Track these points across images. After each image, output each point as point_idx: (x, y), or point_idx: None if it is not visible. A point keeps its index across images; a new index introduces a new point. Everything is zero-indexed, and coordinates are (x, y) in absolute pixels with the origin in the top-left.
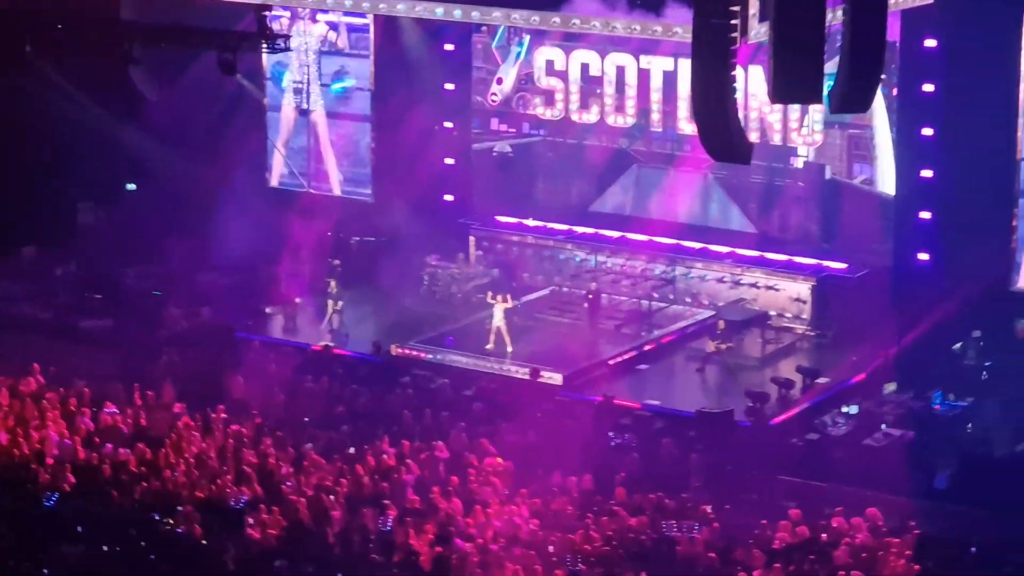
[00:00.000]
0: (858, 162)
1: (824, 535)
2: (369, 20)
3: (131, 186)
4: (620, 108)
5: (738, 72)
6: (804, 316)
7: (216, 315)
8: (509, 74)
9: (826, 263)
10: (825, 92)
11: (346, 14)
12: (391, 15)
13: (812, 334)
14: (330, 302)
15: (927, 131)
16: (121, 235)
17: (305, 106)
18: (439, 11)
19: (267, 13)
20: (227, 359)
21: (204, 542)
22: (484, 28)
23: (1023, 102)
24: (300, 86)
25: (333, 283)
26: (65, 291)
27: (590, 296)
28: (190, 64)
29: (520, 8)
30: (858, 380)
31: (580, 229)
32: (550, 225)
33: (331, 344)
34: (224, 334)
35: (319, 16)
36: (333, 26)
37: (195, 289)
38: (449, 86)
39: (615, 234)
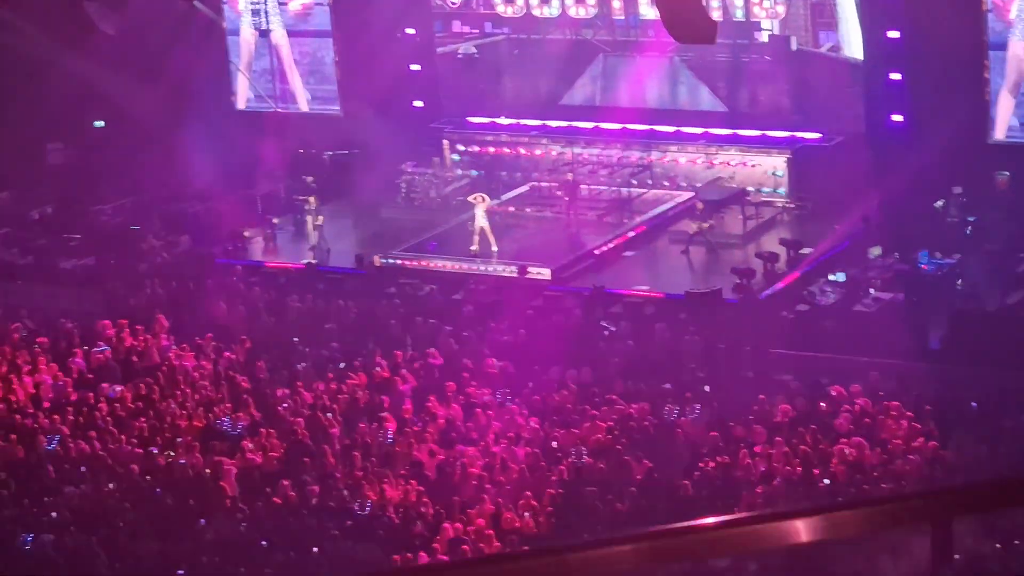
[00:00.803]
0: (823, 30)
1: (823, 404)
2: None
3: (99, 123)
4: None
5: None
6: (782, 189)
7: (195, 243)
8: None
9: (800, 134)
10: None
11: None
12: None
13: (792, 206)
14: (310, 218)
15: None
16: (93, 172)
17: (264, 27)
18: None
19: None
20: (210, 286)
21: (207, 471)
22: None
23: None
24: (257, 6)
25: (312, 199)
26: (43, 233)
27: (569, 188)
28: None
29: None
30: (843, 247)
31: (553, 123)
32: (522, 122)
33: (314, 261)
34: (204, 261)
35: None
36: None
37: (172, 219)
38: None
39: (588, 125)
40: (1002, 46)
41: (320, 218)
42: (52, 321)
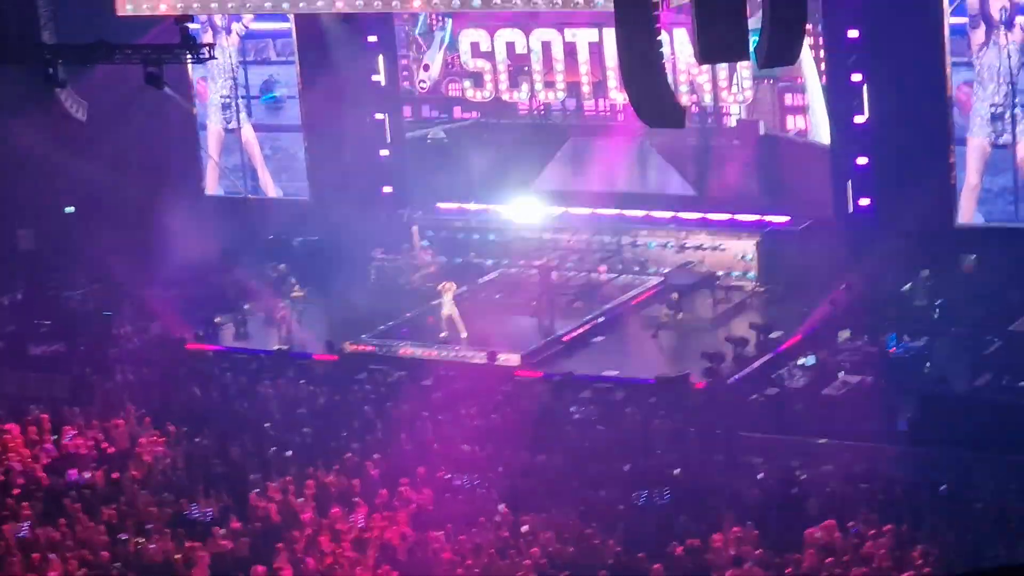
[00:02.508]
0: (791, 114)
1: (794, 488)
2: (290, 23)
3: (69, 209)
4: (550, 83)
5: (663, 36)
6: (751, 273)
7: (165, 329)
8: (435, 59)
9: (768, 218)
10: (751, 48)
11: (262, 18)
12: (312, 13)
13: (761, 290)
14: (288, 301)
15: (856, 77)
16: (63, 257)
17: (233, 125)
18: (359, 3)
19: (189, 24)
20: (181, 372)
21: (177, 556)
22: (406, 16)
23: (947, 40)
24: (227, 100)
25: (293, 280)
26: (12, 319)
27: (542, 273)
28: (117, 81)
29: None
30: (812, 331)
31: (523, 208)
32: (492, 207)
33: (285, 347)
34: (176, 347)
35: (233, 26)
36: (252, 35)
37: (143, 305)
38: (377, 77)
39: (558, 210)
40: (964, 140)
41: (301, 292)
42: (21, 407)
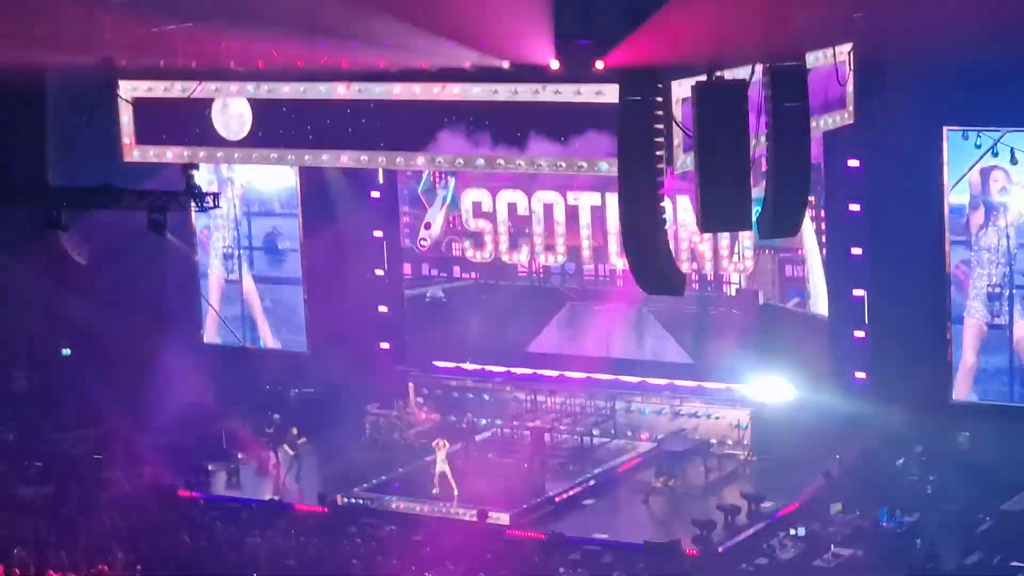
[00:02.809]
0: (791, 285)
1: None
2: (294, 177)
3: (66, 351)
4: (550, 246)
5: (666, 203)
6: (745, 442)
7: (157, 475)
8: (437, 218)
9: (764, 388)
10: (754, 218)
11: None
12: (316, 167)
13: (754, 459)
14: (286, 447)
15: (856, 250)
16: (57, 399)
17: (235, 276)
18: (363, 158)
19: (194, 172)
20: (172, 519)
21: None
22: (409, 173)
23: (948, 216)
24: (230, 250)
25: (294, 430)
26: (3, 459)
27: (535, 435)
28: (119, 224)
29: (386, 150)
30: (803, 502)
31: (518, 370)
32: (488, 367)
33: (276, 498)
34: (167, 494)
35: (238, 178)
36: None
37: (135, 450)
38: (378, 233)
39: (553, 373)
40: (961, 317)
41: (302, 440)
42: (6, 548)
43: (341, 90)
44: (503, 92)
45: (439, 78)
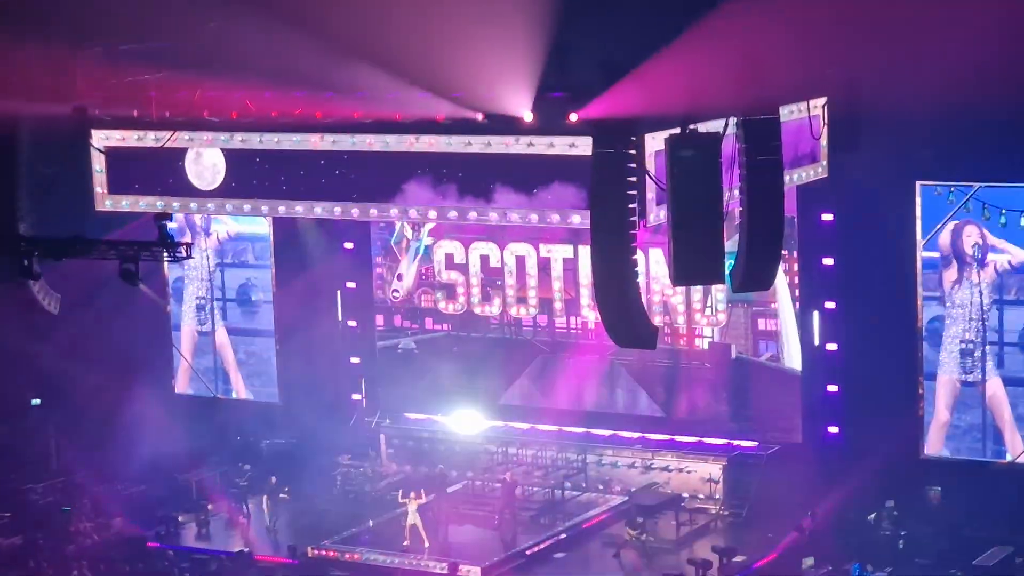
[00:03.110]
0: (764, 339)
1: None
2: (268, 228)
3: (36, 401)
4: (522, 299)
5: (638, 256)
6: (717, 496)
7: (127, 526)
8: (409, 270)
9: (736, 442)
10: (727, 271)
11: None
12: (290, 217)
13: (726, 513)
14: (265, 498)
15: (830, 304)
16: (26, 450)
17: (207, 328)
18: (337, 210)
19: (167, 222)
20: (141, 571)
21: None
22: (382, 224)
23: (920, 271)
24: (203, 302)
25: (273, 480)
26: None
27: (506, 488)
28: (90, 272)
29: (357, 201)
30: (776, 556)
31: (490, 422)
32: (459, 419)
33: (246, 549)
34: (136, 545)
35: (213, 229)
36: (231, 238)
37: (104, 501)
38: (351, 284)
39: (525, 425)
40: (934, 374)
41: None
42: None
43: (315, 141)
44: (476, 144)
45: (412, 130)
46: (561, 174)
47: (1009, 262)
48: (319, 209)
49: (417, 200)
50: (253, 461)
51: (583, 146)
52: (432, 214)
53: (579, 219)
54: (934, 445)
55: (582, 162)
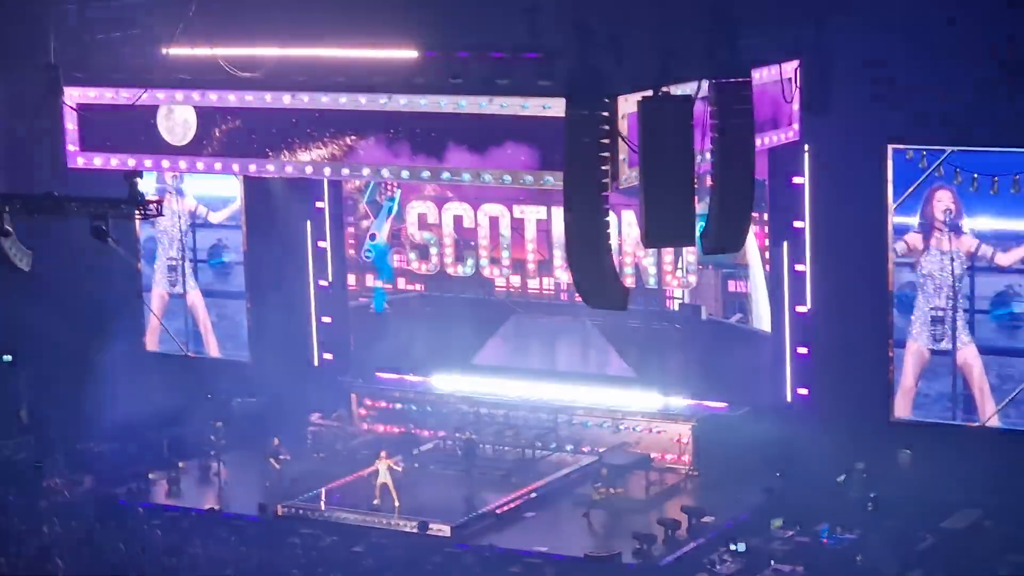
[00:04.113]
0: (734, 301)
1: None
2: (238, 187)
3: (7, 357)
4: (495, 259)
5: (611, 217)
6: (686, 456)
7: (98, 483)
8: (382, 229)
9: (706, 403)
10: (697, 233)
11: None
12: (261, 177)
13: (696, 474)
14: (272, 459)
15: (800, 267)
16: None
17: (179, 289)
18: (308, 169)
19: (138, 180)
20: (112, 528)
21: None
22: (355, 184)
23: (891, 236)
24: (174, 263)
25: (276, 440)
26: None
27: (474, 447)
28: (62, 230)
29: (272, 156)
30: (744, 517)
31: (462, 382)
32: (431, 379)
33: (216, 507)
34: (107, 502)
35: (186, 190)
36: (204, 200)
37: (75, 458)
38: (323, 244)
39: (497, 385)
40: (904, 340)
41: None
42: None
43: (287, 99)
44: (427, 103)
45: (383, 89)
46: (514, 134)
47: (979, 229)
48: (290, 168)
49: (371, 159)
50: (224, 420)
51: (556, 108)
52: (405, 174)
53: (553, 180)
54: (903, 408)
55: (535, 123)
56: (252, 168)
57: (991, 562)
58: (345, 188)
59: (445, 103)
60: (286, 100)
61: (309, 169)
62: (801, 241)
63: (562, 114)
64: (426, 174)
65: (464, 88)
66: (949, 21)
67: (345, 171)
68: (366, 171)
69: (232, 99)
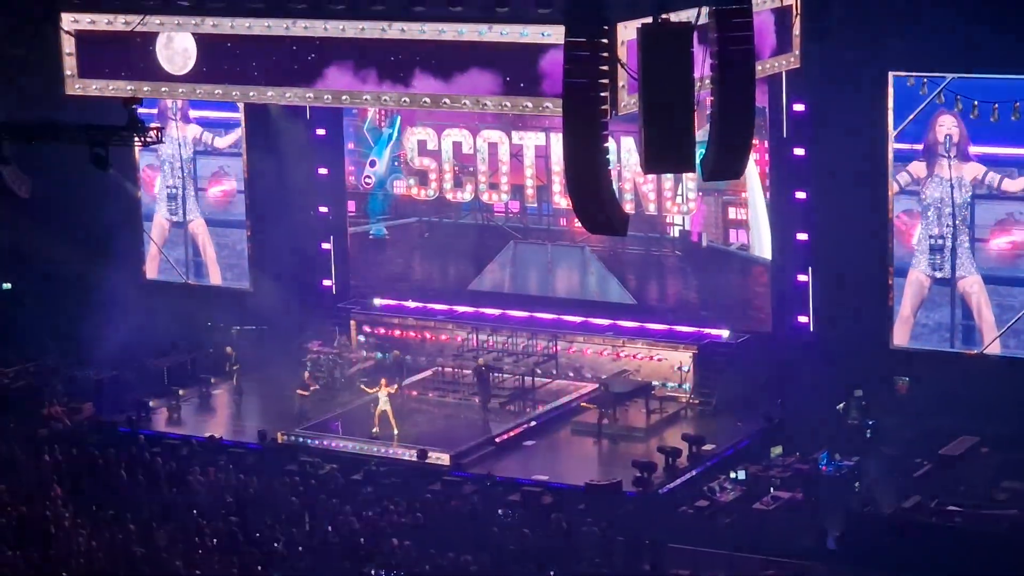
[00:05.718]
0: (734, 228)
1: None
2: (240, 113)
3: (6, 284)
4: (494, 185)
5: (610, 143)
6: (687, 384)
7: (98, 411)
8: (382, 156)
9: (707, 331)
10: (697, 160)
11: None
12: (261, 104)
13: (696, 402)
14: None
15: (800, 194)
16: None
17: (179, 218)
18: (308, 96)
19: (137, 107)
20: (111, 455)
21: None
22: (355, 111)
23: (891, 161)
24: (174, 191)
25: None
26: None
27: (479, 374)
28: (62, 158)
29: (272, 84)
30: (744, 445)
31: (460, 308)
32: (430, 306)
33: (217, 435)
34: (107, 430)
35: (191, 113)
36: (205, 123)
37: (76, 385)
38: (323, 171)
39: (496, 312)
40: (905, 269)
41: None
42: None
43: (287, 27)
44: (393, 31)
45: (378, 16)
46: (479, 61)
47: (986, 153)
48: (290, 95)
49: (337, 84)
50: (232, 345)
51: (556, 35)
52: (405, 100)
53: (552, 106)
54: (902, 336)
55: (499, 49)
56: (252, 95)
57: (988, 488)
58: (345, 115)
59: (408, 30)
60: (289, 28)
61: (309, 95)
62: (801, 168)
63: (522, 41)
64: (426, 101)
65: (464, 16)
66: None
67: (344, 98)
68: (366, 98)
69: (231, 26)
